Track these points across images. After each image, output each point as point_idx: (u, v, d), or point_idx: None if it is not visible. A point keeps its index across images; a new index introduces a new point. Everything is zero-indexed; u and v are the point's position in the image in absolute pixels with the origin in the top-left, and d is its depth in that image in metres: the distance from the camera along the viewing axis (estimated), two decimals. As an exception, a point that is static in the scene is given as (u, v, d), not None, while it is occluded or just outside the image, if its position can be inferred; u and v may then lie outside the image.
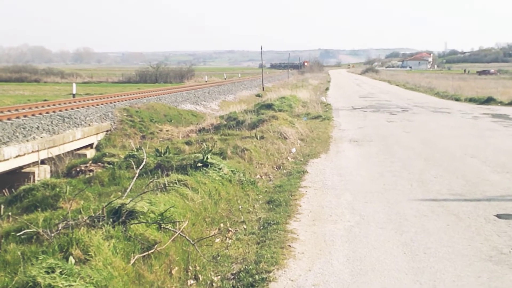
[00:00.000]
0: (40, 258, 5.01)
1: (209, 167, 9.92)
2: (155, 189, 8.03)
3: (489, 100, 33.77)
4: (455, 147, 15.69)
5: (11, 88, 50.48)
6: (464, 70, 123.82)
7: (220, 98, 41.74)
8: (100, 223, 6.30)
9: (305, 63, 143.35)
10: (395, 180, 11.34)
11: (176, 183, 8.59)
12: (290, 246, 7.26)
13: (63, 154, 18.46)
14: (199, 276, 6.34)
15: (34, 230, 6.25)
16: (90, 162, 12.44)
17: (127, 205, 6.74)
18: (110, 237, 5.99)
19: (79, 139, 20.61)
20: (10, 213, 7.91)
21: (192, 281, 6.21)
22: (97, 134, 22.34)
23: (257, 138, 14.78)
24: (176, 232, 6.53)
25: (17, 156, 16.44)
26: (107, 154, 12.80)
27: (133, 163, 10.04)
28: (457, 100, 36.90)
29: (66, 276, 4.76)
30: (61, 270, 4.81)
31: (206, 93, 42.98)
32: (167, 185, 8.39)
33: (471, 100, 35.58)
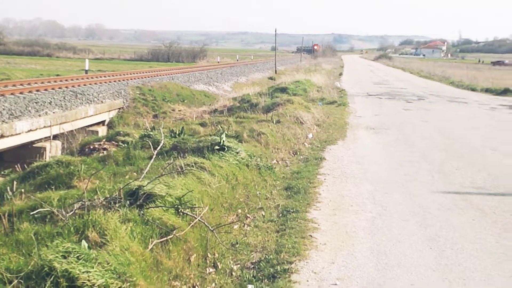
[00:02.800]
0: (56, 242, 4.77)
1: (226, 150, 9.66)
2: (171, 171, 7.78)
3: (505, 92, 33.21)
4: (475, 138, 15.37)
5: (23, 62, 50.33)
6: (478, 60, 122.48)
7: (232, 80, 41.38)
8: (117, 205, 6.07)
9: (315, 47, 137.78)
10: (415, 170, 11.05)
11: (193, 166, 8.34)
12: (311, 236, 7.01)
13: (75, 130, 18.27)
14: (218, 264, 6.12)
15: (49, 209, 6.03)
16: (104, 140, 12.20)
17: (145, 188, 6.51)
18: (127, 220, 5.77)
19: (91, 115, 20.42)
20: (23, 190, 7.70)
21: (211, 269, 5.98)
22: (109, 111, 22.14)
23: (273, 122, 14.49)
24: (195, 218, 6.29)
25: (29, 131, 16.28)
26: (121, 132, 12.56)
27: (150, 143, 9.77)
28: (473, 90, 36.34)
29: (83, 262, 4.53)
30: (78, 254, 4.58)
31: (219, 74, 42.59)
32: (183, 167, 8.15)
33: (487, 90, 35.03)
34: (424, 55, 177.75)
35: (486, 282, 5.81)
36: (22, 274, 4.36)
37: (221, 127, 12.97)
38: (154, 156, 7.91)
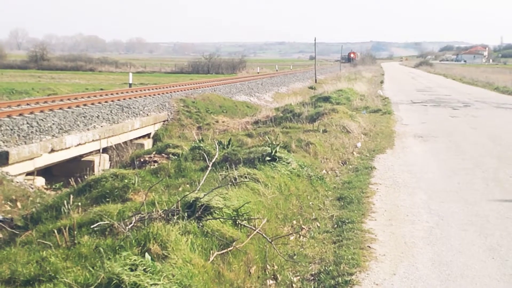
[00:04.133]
0: (123, 254, 4.81)
1: (277, 161, 9.64)
2: (226, 183, 7.79)
3: (553, 96, 32.48)
4: (527, 145, 15.01)
5: (67, 77, 51.35)
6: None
7: (273, 90, 41.45)
8: (175, 218, 6.09)
9: (352, 55, 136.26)
10: (469, 178, 10.84)
11: (246, 177, 8.33)
12: (369, 247, 6.92)
13: (122, 143, 18.51)
14: (278, 275, 6.08)
15: (108, 222, 6.09)
16: (154, 152, 12.30)
17: (202, 200, 6.52)
18: (187, 232, 5.78)
19: (138, 128, 20.69)
20: (79, 204, 7.80)
21: (271, 281, 5.95)
22: (154, 124, 22.40)
23: (320, 132, 14.42)
24: (254, 230, 6.27)
25: (78, 145, 16.56)
26: (170, 145, 12.65)
27: (203, 155, 9.82)
28: (519, 95, 35.65)
29: (150, 274, 4.56)
30: (144, 267, 4.61)
31: (259, 84, 42.72)
32: (237, 179, 8.15)
33: (534, 96, 34.32)
34: (465, 61, 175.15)
35: (555, 293, 5.64)
36: (91, 287, 4.39)
37: (268, 138, 12.95)
38: (209, 168, 7.92)
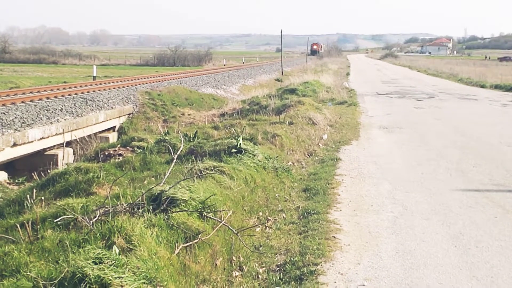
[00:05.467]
0: (87, 248, 4.76)
1: (243, 153, 9.65)
2: (192, 176, 7.76)
3: (515, 87, 33.10)
4: (489, 135, 15.29)
5: (30, 70, 50.41)
6: (485, 57, 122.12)
7: (239, 82, 41.37)
8: (140, 211, 6.05)
9: (315, 46, 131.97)
10: (433, 169, 10.99)
11: (212, 169, 8.32)
12: (335, 237, 6.98)
13: (86, 137, 18.30)
14: (244, 267, 6.10)
15: (72, 216, 6.01)
16: (119, 146, 12.21)
17: (167, 192, 6.49)
18: (152, 225, 5.75)
19: (102, 122, 20.43)
20: (43, 198, 7.69)
21: (237, 273, 5.96)
22: (119, 117, 22.15)
23: (286, 124, 14.46)
24: (220, 222, 6.27)
25: (41, 138, 16.28)
26: (135, 138, 12.57)
27: (169, 148, 9.77)
28: (482, 86, 36.21)
29: (114, 267, 4.52)
30: (109, 261, 4.57)
31: (226, 77, 42.59)
32: (202, 171, 8.13)
33: (496, 87, 34.90)
34: (430, 52, 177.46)
35: (515, 280, 5.76)
36: (55, 281, 4.34)
37: (235, 130, 12.96)
38: (174, 161, 7.88)
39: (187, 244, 5.72)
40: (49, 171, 9.81)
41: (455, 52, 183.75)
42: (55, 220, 6.03)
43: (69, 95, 22.44)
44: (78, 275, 4.35)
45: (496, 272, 5.94)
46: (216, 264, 5.90)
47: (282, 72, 54.37)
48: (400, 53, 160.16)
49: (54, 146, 16.96)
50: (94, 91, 24.44)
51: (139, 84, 29.14)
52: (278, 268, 6.12)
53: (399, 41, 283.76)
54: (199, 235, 5.85)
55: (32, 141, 15.84)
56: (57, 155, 16.60)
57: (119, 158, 11.08)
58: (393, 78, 47.53)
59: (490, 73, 46.88)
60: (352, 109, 21.77)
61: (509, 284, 5.67)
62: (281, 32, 57.56)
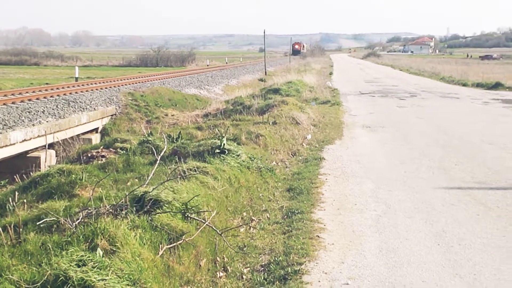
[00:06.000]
0: (70, 250, 4.74)
1: (226, 153, 9.64)
2: (176, 177, 7.74)
3: (497, 86, 33.38)
4: (471, 133, 15.42)
5: (12, 71, 50.00)
6: (467, 55, 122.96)
7: (223, 83, 41.34)
8: (124, 212, 6.03)
9: (296, 46, 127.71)
10: (415, 167, 11.06)
11: (195, 170, 8.31)
12: (318, 236, 6.99)
13: (68, 138, 18.17)
14: (228, 267, 6.09)
15: (55, 219, 5.97)
16: (102, 147, 12.13)
17: (151, 194, 6.46)
18: (135, 227, 5.73)
19: (85, 123, 20.32)
20: (25, 200, 7.64)
21: (221, 273, 5.95)
22: (102, 118, 22.05)
23: (270, 124, 14.47)
24: (204, 222, 6.26)
25: (23, 141, 16.16)
26: (118, 139, 12.49)
27: (152, 149, 9.72)
28: (464, 85, 36.53)
29: (97, 270, 4.50)
30: (92, 263, 4.55)
31: (209, 77, 42.54)
32: (186, 172, 8.12)
33: (478, 85, 35.22)
34: (412, 51, 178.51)
35: (497, 277, 5.80)
36: (38, 284, 4.31)
37: (218, 131, 12.94)
38: (158, 162, 7.86)
39: (171, 245, 5.71)
40: (31, 173, 9.72)
41: (437, 51, 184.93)
42: (38, 223, 5.99)
43: (51, 96, 22.30)
44: (61, 278, 4.33)
45: (479, 269, 5.99)
46: (200, 265, 5.89)
47: (266, 72, 54.41)
48: (382, 52, 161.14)
49: (36, 148, 16.84)
50: (76, 93, 24.31)
51: (122, 85, 29.02)
52: (262, 268, 6.12)
53: (382, 41, 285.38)
54: (183, 236, 5.84)
55: (14, 144, 15.71)
56: (40, 157, 16.49)
57: (102, 160, 11.01)
58: (375, 77, 47.75)
59: (471, 71, 47.28)
60: (336, 108, 21.85)
61: (492, 281, 5.71)
62: (264, 32, 57.59)
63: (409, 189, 9.36)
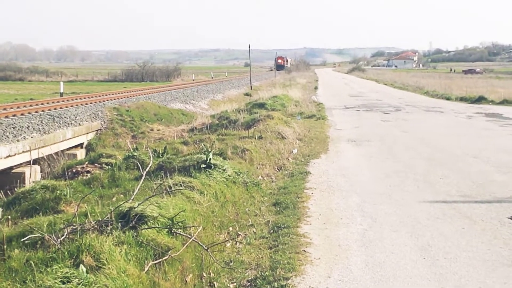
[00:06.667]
0: (54, 267, 4.70)
1: (212, 168, 9.63)
2: (161, 192, 7.71)
3: (480, 99, 33.75)
4: (455, 146, 15.53)
5: (-4, 87, 49.74)
6: (450, 69, 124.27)
7: (209, 97, 41.35)
8: (109, 228, 5.99)
9: (279, 60, 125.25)
10: (400, 181, 11.11)
11: (181, 185, 8.30)
12: (305, 251, 6.99)
13: (53, 154, 18.06)
14: (214, 283, 6.07)
15: (39, 235, 5.92)
16: (87, 162, 12.09)
17: (136, 209, 6.44)
18: (121, 243, 5.69)
19: (70, 138, 20.21)
20: (9, 217, 7.57)
21: (207, 289, 5.93)
22: (87, 133, 21.94)
23: (255, 138, 14.49)
24: (190, 238, 6.24)
25: (7, 157, 16.04)
26: (103, 154, 12.46)
27: (137, 164, 9.70)
28: (447, 99, 36.87)
29: (82, 286, 4.47)
30: (77, 280, 4.51)
31: (195, 92, 42.57)
32: (172, 187, 8.09)
33: (462, 99, 35.58)
34: (396, 66, 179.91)
35: (483, 290, 5.83)
36: (21, 303, 4.27)
37: (204, 145, 12.92)
38: (143, 177, 7.82)
39: (157, 261, 5.68)
40: (16, 189, 9.66)
41: (420, 65, 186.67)
42: (22, 240, 5.93)
43: (36, 112, 22.21)
44: (45, 296, 4.29)
45: (464, 282, 6.01)
46: (186, 281, 5.86)
47: (251, 87, 54.55)
48: (367, 67, 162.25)
49: (21, 164, 16.72)
50: (61, 108, 24.25)
51: (107, 100, 28.98)
52: (249, 284, 6.10)
53: (366, 55, 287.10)
54: (169, 252, 5.82)
55: (-2, 159, 15.60)
56: (24, 173, 16.36)
57: (87, 175, 10.97)
58: (360, 91, 48.04)
59: (455, 85, 47.78)
60: (321, 122, 21.93)
61: (477, 294, 5.74)
62: (249, 47, 57.81)
63: (394, 203, 9.38)
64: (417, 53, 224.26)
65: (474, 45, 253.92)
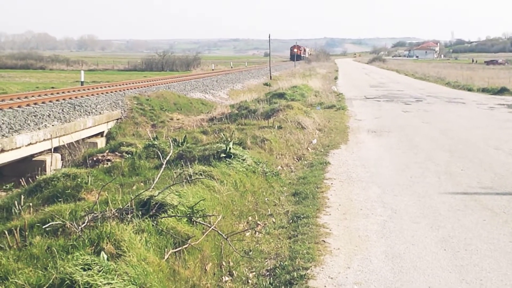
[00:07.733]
0: (75, 254, 4.73)
1: (232, 158, 9.64)
2: (181, 181, 7.73)
3: (502, 91, 33.31)
4: (477, 138, 15.37)
5: (17, 75, 50.22)
6: (472, 60, 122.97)
7: (228, 87, 41.36)
8: (129, 216, 6.02)
9: (295, 49, 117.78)
10: (421, 172, 11.03)
11: (201, 174, 8.30)
12: (324, 241, 6.97)
13: (74, 142, 18.20)
14: (234, 272, 6.08)
15: (61, 222, 5.97)
16: (107, 151, 12.15)
17: (156, 198, 6.45)
18: (141, 231, 5.71)
19: (90, 127, 20.34)
20: (31, 204, 7.64)
21: (227, 278, 5.94)
22: (107, 122, 22.07)
23: (275, 128, 14.47)
24: (209, 227, 6.25)
25: (29, 144, 16.18)
26: (124, 143, 12.51)
27: (157, 153, 9.74)
28: (469, 90, 36.46)
29: (103, 274, 4.49)
30: (98, 267, 4.54)
31: (214, 81, 42.60)
32: (192, 176, 8.11)
33: (484, 90, 35.15)
34: (417, 56, 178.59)
35: (504, 282, 5.78)
36: (43, 288, 4.31)
37: (224, 135, 12.94)
38: (163, 166, 7.84)
39: (177, 249, 5.70)
40: (37, 177, 9.73)
41: (442, 55, 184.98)
42: (44, 227, 5.99)
43: (56, 100, 22.36)
44: (67, 282, 4.32)
45: (485, 275, 5.96)
46: (205, 269, 5.87)
47: (271, 77, 54.44)
48: (387, 57, 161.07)
49: (42, 152, 16.87)
50: (82, 97, 24.37)
51: (127, 89, 29.09)
52: (268, 273, 6.11)
53: (387, 45, 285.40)
54: (189, 240, 5.83)
55: (19, 147, 15.74)
56: (45, 161, 16.50)
57: (107, 164, 11.03)
58: (381, 82, 47.73)
59: (477, 76, 47.29)
60: (341, 113, 21.84)
61: (498, 287, 5.68)
62: (269, 37, 57.67)
63: (415, 194, 9.32)
64: (438, 44, 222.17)
65: (496, 36, 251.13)
